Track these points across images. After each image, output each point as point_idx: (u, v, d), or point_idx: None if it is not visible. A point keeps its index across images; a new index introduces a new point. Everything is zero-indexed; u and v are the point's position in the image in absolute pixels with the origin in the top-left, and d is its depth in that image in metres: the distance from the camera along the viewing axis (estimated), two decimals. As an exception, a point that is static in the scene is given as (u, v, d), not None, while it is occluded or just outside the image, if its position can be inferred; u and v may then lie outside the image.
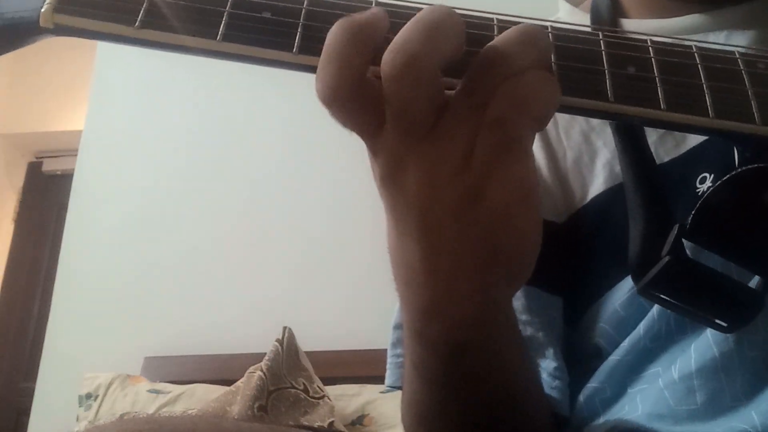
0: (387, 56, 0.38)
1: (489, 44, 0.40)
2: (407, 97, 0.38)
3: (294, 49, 0.40)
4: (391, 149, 0.41)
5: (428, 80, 0.38)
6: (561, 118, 0.70)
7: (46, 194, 4.00)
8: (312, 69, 0.40)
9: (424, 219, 0.42)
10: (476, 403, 0.53)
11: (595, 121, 0.69)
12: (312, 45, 0.40)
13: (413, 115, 0.39)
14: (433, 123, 0.39)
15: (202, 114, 2.55)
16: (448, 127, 0.39)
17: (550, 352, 0.64)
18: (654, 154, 0.62)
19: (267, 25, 0.41)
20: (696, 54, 0.45)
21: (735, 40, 0.62)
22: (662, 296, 0.52)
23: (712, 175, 0.55)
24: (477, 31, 0.41)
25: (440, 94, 0.39)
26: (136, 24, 0.40)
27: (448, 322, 0.46)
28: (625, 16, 0.72)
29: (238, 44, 0.40)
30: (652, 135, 0.63)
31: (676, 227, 0.50)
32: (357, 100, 0.39)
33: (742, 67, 0.45)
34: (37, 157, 4.17)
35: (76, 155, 2.61)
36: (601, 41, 0.44)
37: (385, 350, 0.71)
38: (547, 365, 0.63)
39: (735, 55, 0.46)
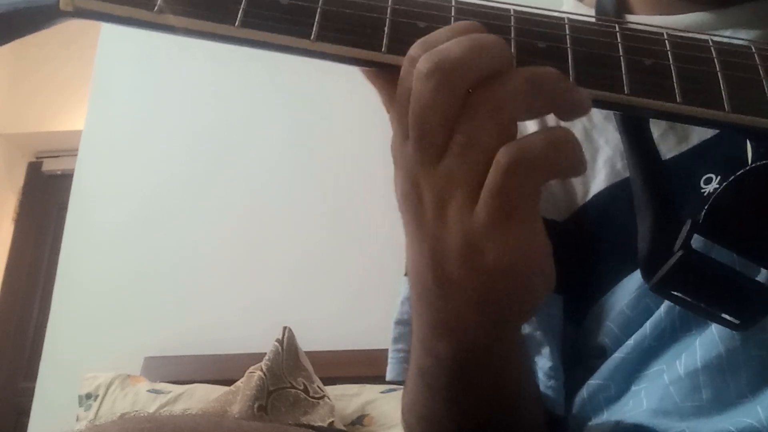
0: (425, 56, 0.38)
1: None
2: (428, 100, 0.38)
3: (312, 37, 0.40)
4: (408, 165, 0.41)
5: (455, 89, 0.38)
6: None
7: (46, 194, 3.99)
8: (329, 57, 0.40)
9: (434, 249, 0.42)
10: (478, 411, 0.53)
11: (596, 119, 0.68)
12: (330, 33, 0.40)
13: (429, 120, 0.38)
14: (445, 148, 0.39)
15: (202, 114, 2.54)
16: (454, 162, 0.39)
17: (546, 350, 0.63)
18: None
19: (285, 13, 0.40)
20: (712, 48, 0.45)
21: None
22: (674, 292, 0.52)
23: (719, 177, 0.55)
24: (492, 21, 0.41)
25: (458, 114, 0.39)
26: (155, 9, 0.40)
27: (455, 343, 0.47)
28: (630, 12, 0.72)
29: (257, 30, 0.40)
30: (654, 131, 0.63)
31: (688, 222, 0.50)
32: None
33: (758, 62, 0.45)
34: (37, 157, 4.16)
35: (76, 155, 2.60)
36: (617, 33, 0.44)
37: (385, 350, 0.71)
38: (543, 364, 0.63)
39: (752, 49, 0.46)
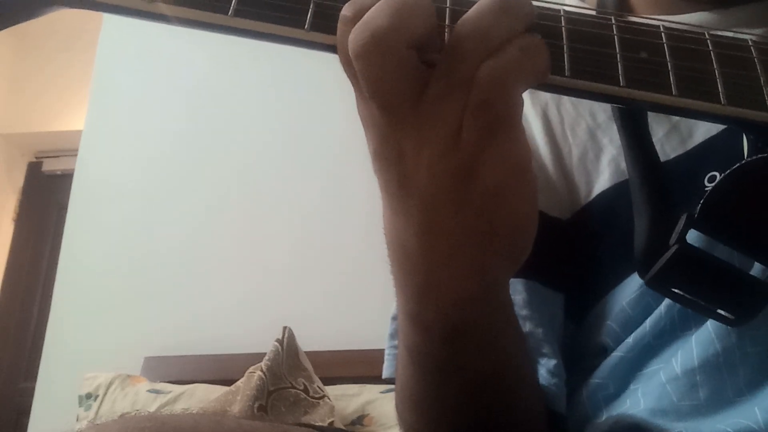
0: (352, 34, 0.37)
1: (462, 18, 0.39)
2: (376, 74, 0.37)
3: (306, 26, 0.40)
4: (376, 124, 0.40)
5: (396, 57, 0.37)
6: (567, 115, 0.70)
7: (46, 194, 3.99)
8: (322, 47, 0.40)
9: (419, 198, 0.41)
10: (469, 388, 0.52)
11: (601, 118, 0.68)
12: (324, 22, 0.40)
13: (386, 92, 0.38)
14: (416, 100, 0.39)
15: (202, 114, 2.54)
16: (432, 106, 0.39)
17: (548, 349, 0.63)
18: (660, 151, 0.62)
19: (279, 1, 0.40)
20: (708, 41, 0.45)
21: None
22: (670, 287, 0.52)
23: (723, 174, 0.55)
24: None
25: (414, 71, 0.38)
26: None
27: (444, 303, 0.46)
28: (632, 12, 0.72)
29: (250, 20, 0.40)
30: (658, 132, 0.63)
31: (684, 216, 0.50)
32: None
33: (755, 55, 0.45)
34: (37, 157, 4.15)
35: (76, 155, 2.60)
36: (614, 26, 0.44)
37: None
38: (546, 362, 0.63)
39: (748, 42, 0.46)
